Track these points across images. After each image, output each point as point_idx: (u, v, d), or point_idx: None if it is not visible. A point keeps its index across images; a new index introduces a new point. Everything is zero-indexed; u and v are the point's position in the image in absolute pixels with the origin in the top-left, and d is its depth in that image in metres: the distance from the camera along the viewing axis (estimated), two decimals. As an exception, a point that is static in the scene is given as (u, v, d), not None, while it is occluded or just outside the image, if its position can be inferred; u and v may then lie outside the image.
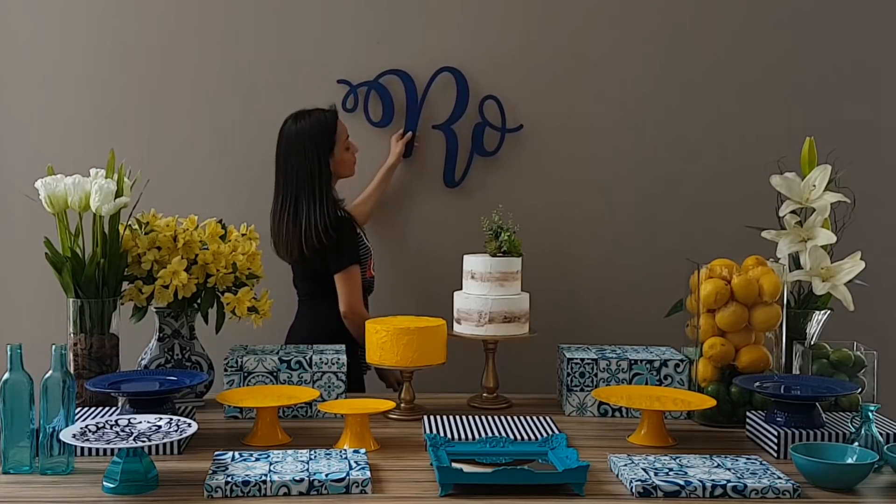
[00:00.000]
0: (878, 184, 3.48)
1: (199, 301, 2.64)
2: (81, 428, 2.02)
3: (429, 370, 2.58)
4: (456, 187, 3.49)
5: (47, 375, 2.06)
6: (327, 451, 2.11)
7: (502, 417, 2.44)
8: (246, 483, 1.91)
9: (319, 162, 3.05)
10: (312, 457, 2.07)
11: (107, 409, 2.42)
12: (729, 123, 3.54)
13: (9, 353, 2.04)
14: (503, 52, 3.48)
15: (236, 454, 2.09)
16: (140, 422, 2.09)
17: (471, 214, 3.33)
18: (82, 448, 2.12)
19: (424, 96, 3.46)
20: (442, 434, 2.26)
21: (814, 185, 2.61)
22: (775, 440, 2.24)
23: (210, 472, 1.98)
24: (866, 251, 2.59)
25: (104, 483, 1.96)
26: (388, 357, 2.53)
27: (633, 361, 2.60)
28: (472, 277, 2.70)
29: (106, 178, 2.55)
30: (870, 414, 2.13)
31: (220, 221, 2.71)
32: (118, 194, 2.52)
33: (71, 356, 2.49)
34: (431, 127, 3.47)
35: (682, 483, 1.95)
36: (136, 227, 2.63)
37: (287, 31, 3.44)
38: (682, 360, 2.60)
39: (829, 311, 2.61)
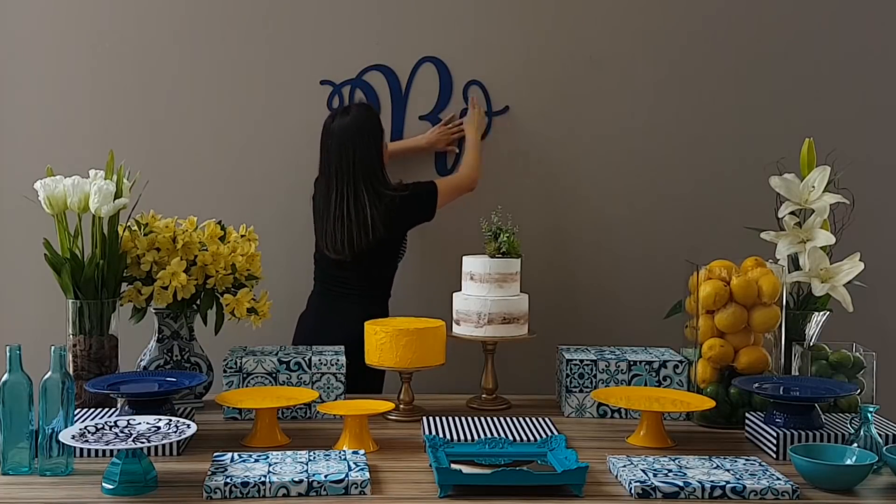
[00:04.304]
0: (878, 185, 3.48)
1: (198, 302, 2.64)
2: (80, 429, 2.02)
3: (428, 371, 2.58)
4: (449, 175, 3.50)
5: (46, 376, 2.06)
6: (326, 453, 2.11)
7: (501, 418, 2.44)
8: (245, 484, 1.91)
9: (378, 150, 3.10)
10: (311, 458, 2.07)
11: (106, 410, 2.42)
12: (728, 124, 3.54)
13: (8, 354, 2.04)
14: (482, 37, 3.48)
15: (235, 455, 2.09)
16: (139, 423, 2.09)
17: (467, 202, 3.33)
18: (81, 449, 2.12)
19: (409, 89, 3.47)
20: (441, 435, 2.26)
21: (813, 186, 2.61)
22: (774, 441, 2.24)
23: (209, 473, 1.98)
24: (865, 252, 2.59)
25: (103, 484, 1.95)
26: (388, 358, 2.53)
27: (632, 362, 2.60)
28: (472, 279, 2.71)
29: (105, 179, 2.55)
30: (869, 415, 2.13)
31: (219, 223, 2.71)
32: (117, 195, 2.52)
33: (70, 357, 2.49)
34: (418, 118, 3.49)
35: (681, 484, 1.95)
36: (136, 228, 2.63)
37: (273, 33, 3.45)
38: (681, 362, 2.60)
39: (828, 313, 2.62)
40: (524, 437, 2.28)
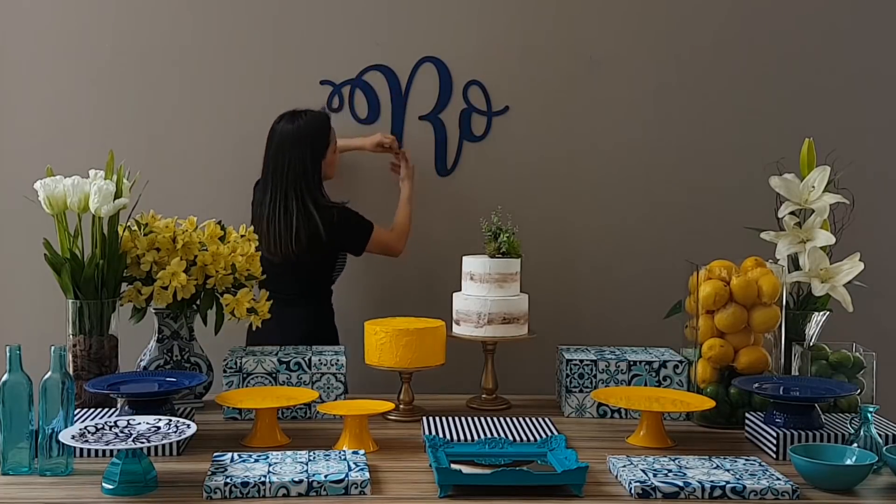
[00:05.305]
0: (877, 185, 3.48)
1: (198, 302, 2.64)
2: (80, 429, 2.02)
3: (428, 371, 2.58)
4: (448, 175, 3.50)
5: (46, 376, 2.06)
6: (326, 453, 2.11)
7: (501, 419, 2.44)
8: (245, 484, 1.91)
9: (314, 160, 3.10)
10: (311, 458, 2.07)
11: (106, 410, 2.42)
12: (728, 123, 3.55)
13: (8, 354, 2.04)
14: (482, 37, 3.49)
15: (235, 455, 2.09)
16: (139, 423, 2.09)
17: (466, 201, 3.35)
18: (81, 449, 2.12)
19: (408, 89, 3.47)
20: (441, 435, 2.26)
21: (813, 187, 2.61)
22: (774, 441, 2.24)
23: (209, 473, 1.98)
24: (865, 252, 2.59)
25: (103, 484, 1.96)
26: (388, 358, 2.53)
27: (632, 363, 2.60)
28: (471, 279, 2.70)
29: (105, 179, 2.55)
30: (869, 415, 2.13)
31: (219, 223, 2.71)
32: (117, 195, 2.52)
33: (70, 357, 2.49)
34: (418, 118, 3.49)
35: (680, 484, 1.95)
36: (136, 228, 2.63)
37: (273, 33, 3.46)
38: (681, 362, 2.60)
39: (827, 313, 2.61)
40: (524, 437, 2.28)
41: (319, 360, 2.55)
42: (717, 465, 2.08)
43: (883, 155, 3.57)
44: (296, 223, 3.04)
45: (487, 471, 2.03)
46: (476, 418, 2.43)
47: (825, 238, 2.58)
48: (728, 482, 1.96)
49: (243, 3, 3.45)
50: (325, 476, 1.95)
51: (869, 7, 3.56)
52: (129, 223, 2.62)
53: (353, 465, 2.02)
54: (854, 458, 2.05)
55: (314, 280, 3.19)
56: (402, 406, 2.56)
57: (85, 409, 2.42)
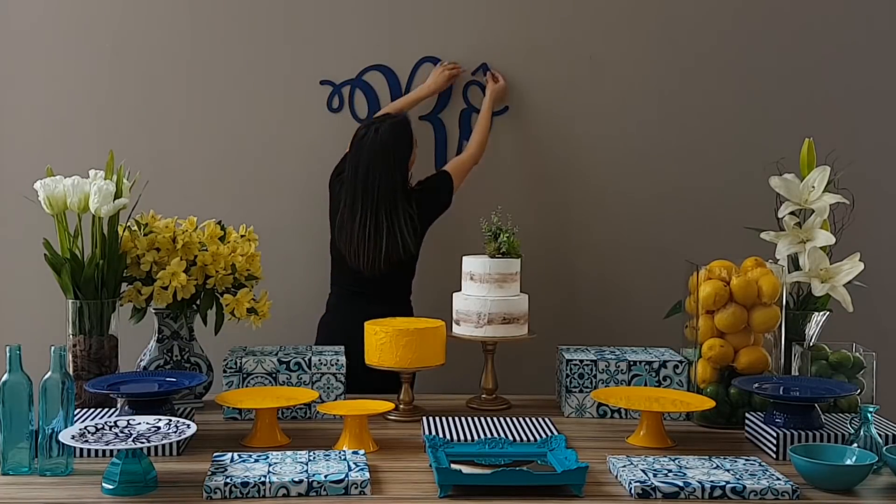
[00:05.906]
0: (877, 185, 3.48)
1: (198, 302, 2.64)
2: (80, 429, 2.02)
3: (428, 371, 2.58)
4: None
5: (46, 377, 2.06)
6: (326, 453, 2.11)
7: (501, 419, 2.44)
8: (245, 484, 1.91)
9: (402, 171, 3.10)
10: (311, 458, 2.07)
11: (106, 410, 2.42)
12: (728, 123, 3.54)
13: (8, 354, 2.04)
14: (482, 37, 3.49)
15: (235, 455, 2.09)
16: (139, 423, 2.09)
17: (467, 201, 3.34)
18: (81, 449, 2.12)
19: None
20: (441, 435, 2.26)
21: (813, 187, 2.61)
22: (774, 441, 2.24)
23: (209, 473, 1.98)
24: (865, 252, 2.59)
25: (103, 484, 1.96)
26: (388, 358, 2.53)
27: (631, 363, 2.60)
28: (472, 279, 2.70)
29: (105, 179, 2.55)
30: (869, 415, 2.13)
31: (219, 223, 2.71)
32: (117, 195, 2.52)
33: (70, 357, 2.49)
34: (419, 118, 3.48)
35: (680, 484, 1.95)
36: (135, 228, 2.63)
37: (273, 33, 3.45)
38: (681, 362, 2.60)
39: (827, 313, 2.62)
40: (524, 437, 2.28)
41: (319, 360, 2.55)
42: (717, 465, 2.08)
43: (883, 155, 3.57)
44: (387, 243, 3.03)
45: (487, 471, 2.03)
46: (476, 418, 2.43)
47: (825, 238, 2.58)
48: (728, 482, 1.96)
49: (243, 3, 3.45)
50: (325, 476, 1.95)
51: (869, 8, 3.56)
52: (129, 223, 2.63)
53: (353, 465, 2.02)
54: (854, 458, 2.05)
55: (402, 276, 3.20)
56: (402, 406, 2.56)
57: (85, 409, 2.42)
